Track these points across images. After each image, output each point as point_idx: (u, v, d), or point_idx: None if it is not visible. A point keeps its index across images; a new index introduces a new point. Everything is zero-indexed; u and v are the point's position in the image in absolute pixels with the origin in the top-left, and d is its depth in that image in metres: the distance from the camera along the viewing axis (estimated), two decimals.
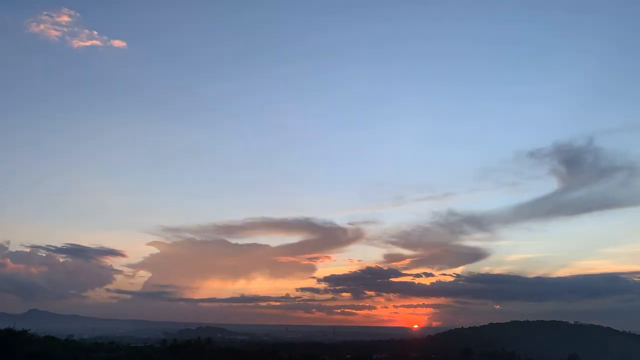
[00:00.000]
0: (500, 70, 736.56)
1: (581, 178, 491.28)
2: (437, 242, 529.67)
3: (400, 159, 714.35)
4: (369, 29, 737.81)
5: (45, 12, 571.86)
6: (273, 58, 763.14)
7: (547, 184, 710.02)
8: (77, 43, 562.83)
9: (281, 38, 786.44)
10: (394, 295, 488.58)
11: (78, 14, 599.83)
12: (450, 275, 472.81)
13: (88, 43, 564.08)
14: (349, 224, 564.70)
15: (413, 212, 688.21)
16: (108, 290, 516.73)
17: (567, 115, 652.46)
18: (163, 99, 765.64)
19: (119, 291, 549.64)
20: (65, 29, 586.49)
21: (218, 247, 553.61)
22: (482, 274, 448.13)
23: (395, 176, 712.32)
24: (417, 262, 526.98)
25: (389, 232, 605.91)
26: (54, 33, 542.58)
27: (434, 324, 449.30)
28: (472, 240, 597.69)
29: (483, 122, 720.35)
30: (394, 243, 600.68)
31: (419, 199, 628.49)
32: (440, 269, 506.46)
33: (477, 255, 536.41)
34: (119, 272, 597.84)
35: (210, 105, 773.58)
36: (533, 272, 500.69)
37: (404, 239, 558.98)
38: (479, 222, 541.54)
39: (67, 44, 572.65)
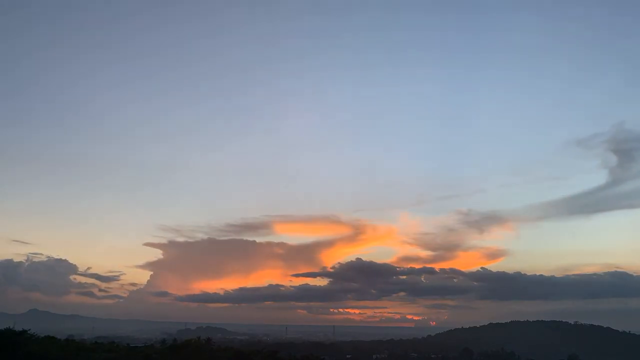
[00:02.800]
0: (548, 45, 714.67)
1: (634, 170, 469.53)
2: (451, 241, 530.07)
3: (424, 154, 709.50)
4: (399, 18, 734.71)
5: None
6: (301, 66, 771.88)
7: (593, 178, 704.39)
8: None
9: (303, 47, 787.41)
10: (399, 294, 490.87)
11: None
12: (456, 275, 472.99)
13: None
14: (363, 222, 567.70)
15: (433, 211, 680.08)
16: (107, 290, 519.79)
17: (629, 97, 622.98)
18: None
19: (120, 292, 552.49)
20: None
21: (224, 246, 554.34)
22: (491, 274, 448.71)
23: (417, 173, 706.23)
24: (425, 262, 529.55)
25: (404, 232, 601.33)
26: None
27: (432, 323, 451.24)
28: (489, 240, 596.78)
29: (526, 109, 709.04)
30: (409, 243, 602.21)
31: (442, 197, 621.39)
32: (447, 268, 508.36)
33: (490, 255, 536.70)
34: (117, 273, 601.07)
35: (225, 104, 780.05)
36: (544, 272, 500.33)
37: (419, 239, 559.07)
38: (500, 220, 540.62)
39: None
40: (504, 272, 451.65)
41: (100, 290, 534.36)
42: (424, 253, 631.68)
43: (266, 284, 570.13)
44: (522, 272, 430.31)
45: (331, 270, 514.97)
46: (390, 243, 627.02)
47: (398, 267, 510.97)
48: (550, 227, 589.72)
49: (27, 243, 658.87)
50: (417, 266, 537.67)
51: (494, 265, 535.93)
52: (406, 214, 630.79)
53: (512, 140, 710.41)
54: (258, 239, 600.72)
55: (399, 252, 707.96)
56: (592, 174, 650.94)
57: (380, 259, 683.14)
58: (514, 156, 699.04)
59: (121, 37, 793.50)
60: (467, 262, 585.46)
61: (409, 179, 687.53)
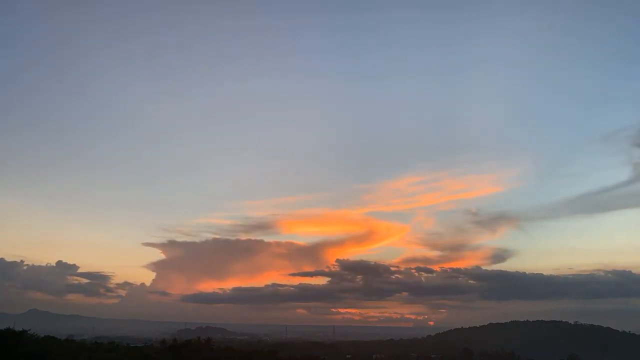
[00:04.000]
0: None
1: None
2: (459, 241, 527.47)
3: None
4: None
5: None
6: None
7: (615, 174, 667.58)
8: None
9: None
10: (400, 295, 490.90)
11: None
12: (456, 275, 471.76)
13: None
14: (376, 221, 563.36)
15: (445, 210, 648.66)
16: (107, 290, 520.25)
17: None
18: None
19: (120, 292, 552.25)
20: None
21: (228, 245, 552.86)
22: (490, 274, 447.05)
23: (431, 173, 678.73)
24: (432, 262, 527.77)
25: (415, 231, 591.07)
26: None
27: (430, 323, 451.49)
28: (498, 240, 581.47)
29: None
30: (416, 243, 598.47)
31: (454, 195, 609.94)
32: (448, 268, 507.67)
33: (497, 255, 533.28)
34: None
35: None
36: (551, 272, 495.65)
37: (427, 239, 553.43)
38: (509, 220, 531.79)
39: None
40: (504, 271, 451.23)
41: (100, 290, 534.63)
42: (431, 253, 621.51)
43: (266, 284, 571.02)
44: (525, 272, 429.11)
45: (330, 270, 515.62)
46: (399, 243, 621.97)
47: (399, 267, 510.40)
48: (562, 226, 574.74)
49: (23, 244, 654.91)
50: (421, 266, 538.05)
51: (500, 266, 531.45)
52: (420, 212, 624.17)
53: (531, 137, 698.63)
54: (266, 238, 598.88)
55: (406, 252, 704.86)
56: (615, 170, 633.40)
57: (386, 259, 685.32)
58: (534, 154, 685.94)
59: (124, 36, 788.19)
60: (473, 262, 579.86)
61: (420, 179, 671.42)
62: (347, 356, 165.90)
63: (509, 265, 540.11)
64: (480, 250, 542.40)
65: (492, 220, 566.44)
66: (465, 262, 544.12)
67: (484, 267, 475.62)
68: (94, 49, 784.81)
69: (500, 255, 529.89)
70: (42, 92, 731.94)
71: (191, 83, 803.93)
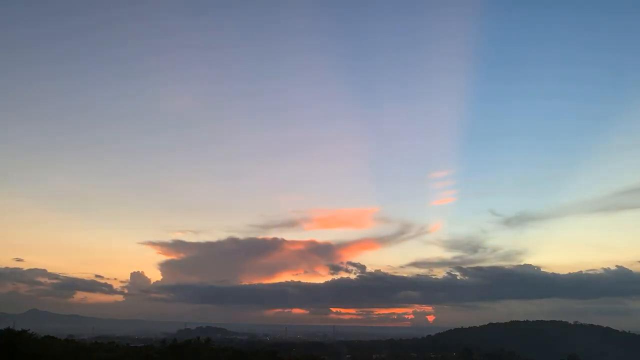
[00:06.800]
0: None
1: None
2: (477, 242, 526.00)
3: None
4: None
5: None
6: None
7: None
8: None
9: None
10: (401, 294, 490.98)
11: None
12: (459, 274, 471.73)
13: None
14: (406, 220, 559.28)
15: (462, 210, 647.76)
16: (108, 290, 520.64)
17: None
18: None
19: (121, 292, 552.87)
20: None
21: (234, 246, 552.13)
22: (491, 273, 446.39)
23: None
24: (444, 264, 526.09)
25: (440, 232, 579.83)
26: None
27: (430, 320, 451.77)
28: (512, 240, 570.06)
29: None
30: (433, 243, 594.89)
31: (473, 196, 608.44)
32: (450, 268, 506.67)
33: (508, 255, 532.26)
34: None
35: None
36: (558, 270, 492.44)
37: (445, 240, 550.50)
38: (528, 219, 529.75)
39: None
40: (505, 270, 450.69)
41: (100, 290, 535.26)
42: (445, 254, 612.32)
43: (268, 284, 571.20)
44: (527, 271, 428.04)
45: (331, 270, 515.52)
46: (411, 243, 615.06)
47: (401, 267, 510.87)
48: (570, 225, 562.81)
49: (23, 244, 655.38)
50: (426, 266, 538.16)
51: (503, 265, 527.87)
52: (435, 211, 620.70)
53: (554, 132, 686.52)
54: (287, 237, 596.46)
55: (416, 252, 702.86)
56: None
57: (392, 258, 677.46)
58: (558, 148, 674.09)
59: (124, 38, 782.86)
60: (484, 263, 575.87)
61: (439, 176, 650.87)
62: (347, 356, 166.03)
63: (512, 264, 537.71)
64: (494, 250, 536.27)
65: (513, 220, 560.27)
66: (476, 263, 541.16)
67: (488, 267, 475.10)
68: (101, 52, 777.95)
69: (509, 256, 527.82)
70: (44, 89, 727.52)
71: (202, 82, 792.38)
